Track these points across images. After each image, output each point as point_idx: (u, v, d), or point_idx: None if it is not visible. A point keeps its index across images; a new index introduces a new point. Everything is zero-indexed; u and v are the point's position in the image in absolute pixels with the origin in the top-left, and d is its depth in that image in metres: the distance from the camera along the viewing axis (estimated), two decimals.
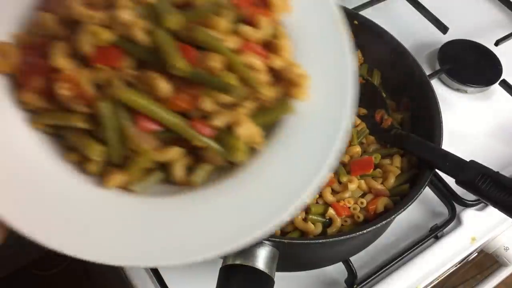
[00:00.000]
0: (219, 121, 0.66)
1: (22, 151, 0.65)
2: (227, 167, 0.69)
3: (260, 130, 0.67)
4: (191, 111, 0.66)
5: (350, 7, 1.10)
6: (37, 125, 0.68)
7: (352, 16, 0.99)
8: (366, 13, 1.08)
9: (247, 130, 0.66)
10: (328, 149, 0.67)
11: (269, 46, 0.72)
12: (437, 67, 1.07)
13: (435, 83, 1.04)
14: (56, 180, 0.65)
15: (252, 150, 0.69)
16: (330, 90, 0.71)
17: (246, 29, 0.69)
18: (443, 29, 1.11)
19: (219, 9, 0.69)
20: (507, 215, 0.74)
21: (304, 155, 0.68)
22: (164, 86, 0.64)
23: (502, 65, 1.06)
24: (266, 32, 0.70)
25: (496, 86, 1.04)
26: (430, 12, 1.11)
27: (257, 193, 0.66)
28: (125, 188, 0.67)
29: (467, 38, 1.09)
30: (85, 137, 0.67)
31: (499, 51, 1.07)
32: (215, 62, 0.65)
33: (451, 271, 0.90)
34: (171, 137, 0.67)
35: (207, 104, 0.65)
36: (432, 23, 1.12)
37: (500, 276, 0.93)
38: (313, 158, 0.67)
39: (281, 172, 0.67)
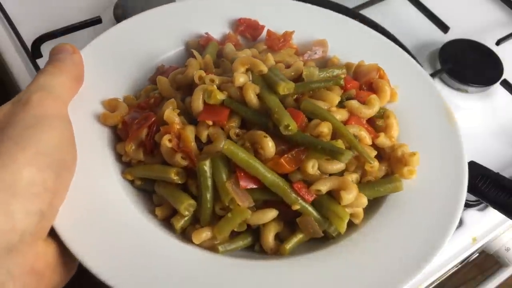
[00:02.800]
0: (323, 186, 0.61)
1: (114, 202, 0.63)
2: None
3: (366, 200, 0.62)
4: (292, 174, 0.63)
5: (351, 6, 1.06)
6: (130, 176, 0.66)
7: (353, 15, 0.93)
8: (367, 12, 1.06)
9: (353, 198, 0.61)
10: (442, 232, 0.61)
11: (375, 127, 0.70)
12: (438, 66, 1.02)
13: (436, 83, 1.00)
14: (143, 233, 0.61)
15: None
16: (440, 175, 0.66)
17: (355, 103, 0.68)
18: (444, 28, 1.07)
19: (330, 84, 0.70)
20: (507, 216, 0.72)
21: (416, 234, 0.61)
22: (272, 144, 0.62)
23: (503, 64, 1.01)
24: (375, 110, 0.69)
25: (497, 86, 0.99)
26: (431, 12, 1.08)
27: (358, 270, 0.59)
28: (210, 247, 0.62)
29: (468, 38, 1.04)
30: (176, 190, 0.64)
31: (500, 51, 1.02)
32: (324, 127, 0.63)
33: (452, 271, 0.86)
34: (265, 200, 0.63)
35: (311, 167, 0.62)
36: (433, 22, 1.09)
37: (501, 277, 0.91)
38: (423, 242, 0.61)
39: (386, 254, 0.60)
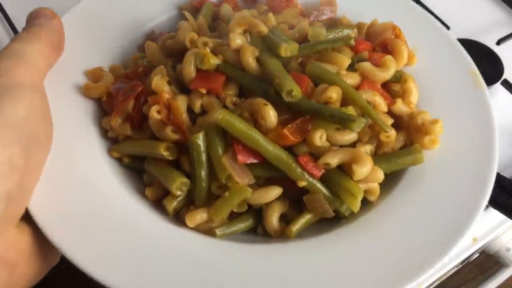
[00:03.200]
0: (333, 159, 0.54)
1: (99, 182, 0.56)
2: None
3: (382, 174, 0.54)
4: (297, 146, 0.55)
5: None
6: (116, 153, 0.59)
7: None
8: None
9: (367, 172, 0.53)
10: (470, 210, 0.53)
11: (392, 91, 0.62)
12: None
13: None
14: (132, 216, 0.55)
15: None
16: (467, 144, 0.58)
17: (367, 66, 0.60)
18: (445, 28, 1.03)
19: (338, 44, 0.62)
20: (507, 217, 0.70)
21: (441, 213, 0.53)
22: (273, 113, 0.55)
23: (504, 64, 0.98)
24: (390, 73, 0.60)
25: (497, 86, 0.96)
26: (431, 11, 1.04)
27: (374, 254, 0.51)
28: (206, 231, 0.55)
29: (469, 38, 1.01)
30: (168, 168, 0.57)
31: (501, 51, 1.00)
32: (332, 92, 0.55)
33: (453, 271, 0.84)
34: (267, 176, 0.56)
35: (319, 138, 0.54)
36: None
37: (502, 277, 0.90)
38: (447, 222, 0.53)
39: (405, 237, 0.53)
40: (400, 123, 0.61)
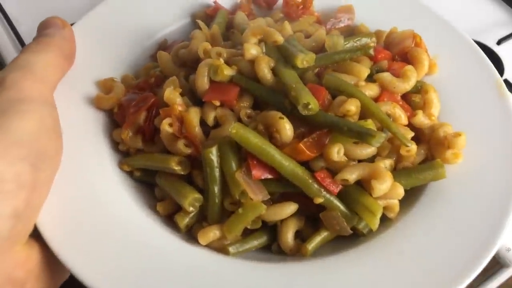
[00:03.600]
0: (351, 175, 0.52)
1: (110, 197, 0.55)
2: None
3: (402, 191, 0.52)
4: (313, 161, 0.53)
5: None
6: (127, 167, 0.58)
7: None
8: None
9: (387, 188, 0.51)
10: (494, 229, 0.50)
11: (411, 103, 0.60)
12: None
13: None
14: (143, 233, 0.53)
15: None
16: (491, 159, 0.56)
17: (387, 76, 0.58)
18: None
19: (357, 55, 0.59)
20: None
21: (464, 232, 0.51)
22: (289, 127, 0.53)
23: (504, 64, 0.97)
24: (411, 84, 0.58)
25: None
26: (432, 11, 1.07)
27: (393, 275, 0.49)
28: (219, 248, 0.53)
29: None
30: (180, 183, 0.55)
31: (501, 50, 0.99)
32: (351, 105, 0.53)
33: None
34: (283, 192, 0.54)
35: (336, 153, 0.52)
36: None
37: (502, 277, 0.84)
38: (476, 237, 0.50)
39: (426, 257, 0.50)
40: (420, 135, 0.58)
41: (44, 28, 0.60)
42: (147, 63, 0.68)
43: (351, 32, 0.70)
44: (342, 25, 0.70)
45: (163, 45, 0.69)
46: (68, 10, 0.68)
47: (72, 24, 0.63)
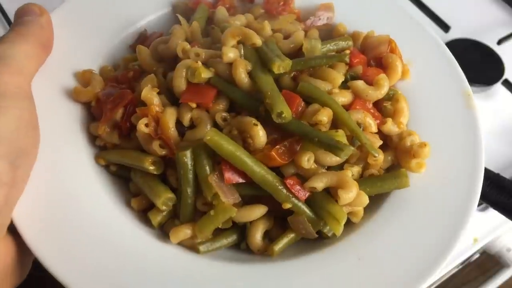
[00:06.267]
0: (319, 183, 0.54)
1: (84, 191, 0.56)
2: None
3: (367, 199, 0.55)
4: (284, 167, 0.56)
5: None
6: (103, 161, 0.59)
7: None
8: None
9: (352, 197, 0.54)
10: (450, 238, 0.54)
11: (383, 110, 0.62)
12: None
13: None
14: (118, 230, 0.55)
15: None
16: (453, 170, 0.58)
17: (360, 85, 0.60)
18: (445, 27, 1.06)
19: (333, 61, 0.61)
20: (507, 217, 0.71)
21: (421, 240, 0.54)
22: (262, 134, 0.54)
23: (505, 64, 1.01)
24: (383, 92, 0.60)
25: (498, 86, 0.99)
26: (432, 11, 1.06)
27: (355, 277, 0.52)
28: (190, 246, 0.55)
29: (469, 37, 1.04)
30: (154, 182, 0.57)
31: (502, 50, 1.02)
32: (323, 115, 0.55)
33: (453, 272, 0.86)
34: (252, 195, 0.56)
35: (307, 161, 0.54)
36: (434, 21, 1.07)
37: (502, 277, 0.90)
38: (432, 246, 0.54)
39: (386, 260, 0.54)
40: (389, 142, 0.61)
41: (22, 15, 0.59)
42: (126, 53, 0.68)
43: (329, 31, 0.70)
44: (321, 23, 0.71)
45: (143, 36, 0.69)
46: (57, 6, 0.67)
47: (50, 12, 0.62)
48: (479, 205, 0.79)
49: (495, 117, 0.97)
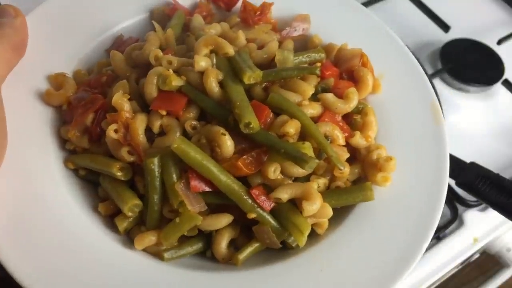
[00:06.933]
0: (284, 194, 0.55)
1: (50, 194, 0.56)
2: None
3: (331, 211, 0.56)
4: (251, 177, 0.56)
5: None
6: (71, 165, 0.59)
7: None
8: None
9: (316, 209, 0.54)
10: (412, 250, 0.55)
11: (352, 122, 0.63)
12: (439, 66, 1.01)
13: (437, 83, 0.99)
14: (82, 234, 0.55)
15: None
16: (418, 184, 0.60)
17: (330, 98, 0.61)
18: (445, 28, 1.07)
19: (304, 73, 0.62)
20: (507, 217, 0.72)
21: (383, 253, 0.55)
22: (230, 143, 0.55)
23: (505, 64, 1.02)
24: (352, 106, 0.61)
25: (498, 86, 1.00)
26: (432, 11, 1.08)
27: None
28: (155, 253, 0.56)
29: (469, 37, 1.05)
30: (122, 188, 0.57)
31: (502, 50, 1.04)
32: (290, 127, 0.56)
33: (453, 272, 0.86)
34: (219, 204, 0.57)
35: (273, 172, 0.55)
36: (434, 21, 1.08)
37: (503, 277, 0.91)
38: (393, 259, 0.55)
39: (348, 272, 0.54)
40: (357, 155, 0.62)
41: None
42: (102, 57, 0.68)
43: (304, 42, 0.71)
44: (296, 34, 0.72)
45: (119, 40, 0.69)
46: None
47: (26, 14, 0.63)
48: (479, 205, 0.83)
49: (495, 117, 0.98)
